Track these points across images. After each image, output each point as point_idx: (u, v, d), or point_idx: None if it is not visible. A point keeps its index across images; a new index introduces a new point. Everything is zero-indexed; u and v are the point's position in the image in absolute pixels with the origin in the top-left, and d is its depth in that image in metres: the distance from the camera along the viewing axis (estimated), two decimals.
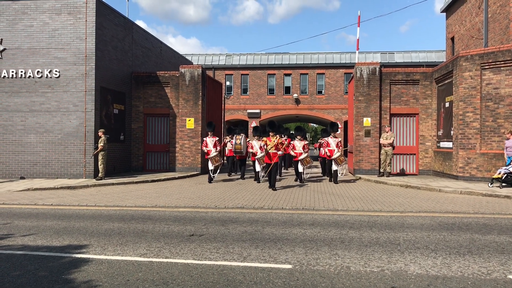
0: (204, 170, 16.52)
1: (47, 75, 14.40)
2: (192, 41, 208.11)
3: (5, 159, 14.45)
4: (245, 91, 32.71)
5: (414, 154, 16.23)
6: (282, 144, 12.52)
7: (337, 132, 14.41)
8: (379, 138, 15.59)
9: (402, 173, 16.16)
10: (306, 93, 31.96)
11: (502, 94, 13.01)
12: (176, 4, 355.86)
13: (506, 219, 7.74)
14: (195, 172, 16.75)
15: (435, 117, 15.83)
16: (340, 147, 13.74)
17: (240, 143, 15.02)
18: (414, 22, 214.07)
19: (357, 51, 25.12)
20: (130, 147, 17.39)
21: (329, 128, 14.16)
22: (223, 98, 25.06)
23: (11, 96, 14.51)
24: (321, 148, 14.93)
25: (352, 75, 17.60)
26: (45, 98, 14.43)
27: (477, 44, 19.17)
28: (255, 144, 13.87)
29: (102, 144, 13.88)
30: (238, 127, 16.16)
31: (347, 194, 11.07)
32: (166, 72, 17.85)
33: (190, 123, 17.21)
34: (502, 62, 12.94)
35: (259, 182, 13.95)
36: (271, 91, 32.44)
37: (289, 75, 32.20)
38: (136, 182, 13.82)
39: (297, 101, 31.78)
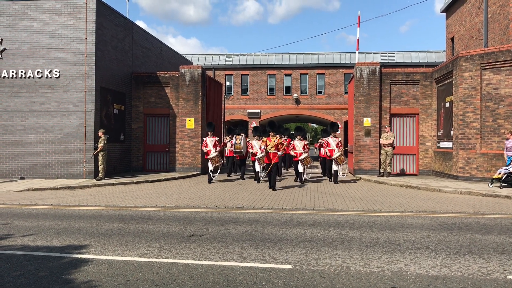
0: (204, 170, 16.52)
1: (47, 75, 14.40)
2: (192, 41, 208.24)
3: (5, 159, 14.45)
4: (245, 91, 32.72)
5: (414, 154, 16.23)
6: (282, 144, 12.51)
7: (337, 132, 14.41)
8: (379, 138, 15.59)
9: (402, 173, 16.16)
10: (306, 93, 31.96)
11: (502, 94, 13.01)
12: (176, 5, 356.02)
13: (506, 219, 7.73)
14: (195, 172, 16.75)
15: (435, 117, 15.83)
16: (340, 147, 13.73)
17: (240, 143, 15.02)
18: (414, 22, 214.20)
19: (357, 51, 25.14)
20: (130, 147, 17.39)
21: (329, 128, 14.15)
22: (223, 98, 25.06)
23: (11, 96, 14.51)
24: (321, 148, 14.92)
25: (352, 75, 17.61)
26: (45, 98, 14.44)
27: (477, 44, 19.17)
28: (255, 144, 13.86)
29: (102, 144, 13.89)
30: (238, 127, 16.15)
31: (347, 194, 11.07)
32: (166, 72, 17.85)
33: (190, 123, 17.22)
34: (502, 62, 12.94)
35: (259, 182, 13.95)
36: (271, 91, 32.45)
37: (289, 75, 32.21)
38: (136, 182, 13.82)
39: (297, 101, 31.78)
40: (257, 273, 4.57)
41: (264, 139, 12.63)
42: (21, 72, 14.45)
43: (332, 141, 13.84)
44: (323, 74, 31.81)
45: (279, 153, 12.06)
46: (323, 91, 31.84)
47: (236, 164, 16.73)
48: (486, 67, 13.25)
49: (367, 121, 15.93)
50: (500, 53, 12.95)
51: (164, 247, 5.65)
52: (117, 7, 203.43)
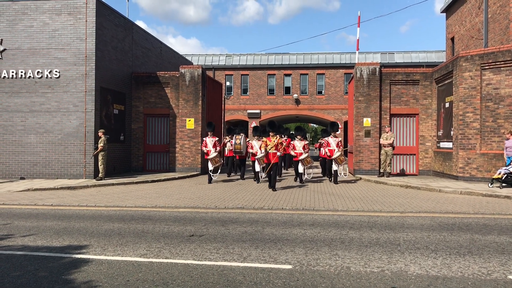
0: (204, 171, 16.52)
1: (47, 75, 14.40)
2: (192, 41, 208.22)
3: (5, 159, 14.45)
4: (245, 91, 32.72)
5: (414, 154, 16.23)
6: (281, 144, 12.50)
7: (337, 132, 14.40)
8: (379, 138, 15.59)
9: (402, 174, 16.16)
10: (306, 93, 31.97)
11: (502, 95, 13.01)
12: (176, 5, 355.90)
13: (506, 219, 7.73)
14: (195, 173, 16.75)
15: (435, 117, 15.83)
16: (340, 147, 13.72)
17: (240, 143, 15.01)
18: (414, 22, 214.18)
19: (357, 51, 25.14)
20: (130, 148, 17.39)
21: (329, 128, 14.14)
22: (223, 98, 25.07)
23: (11, 96, 14.51)
24: (321, 148, 14.91)
25: (352, 75, 17.61)
26: (45, 98, 14.44)
27: (477, 44, 19.17)
28: (255, 144, 13.86)
29: (102, 145, 13.89)
30: (238, 127, 16.14)
31: (347, 195, 11.07)
32: (166, 72, 17.85)
33: (190, 123, 17.22)
34: (502, 62, 12.94)
35: (259, 182, 13.94)
36: (271, 91, 32.45)
37: (289, 75, 32.21)
38: (136, 183, 13.82)
39: (297, 101, 31.78)
40: (257, 273, 4.57)
41: (264, 139, 12.63)
42: (21, 72, 14.45)
43: (332, 141, 13.83)
44: (323, 74, 31.81)
45: (278, 153, 12.04)
46: (323, 91, 31.84)
47: (236, 164, 16.74)
48: (486, 67, 13.25)
49: (367, 121, 15.93)
50: (500, 53, 12.95)
51: (164, 247, 5.65)
52: (117, 7, 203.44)
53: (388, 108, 16.09)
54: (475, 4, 19.50)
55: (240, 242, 5.91)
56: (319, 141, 17.15)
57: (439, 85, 15.56)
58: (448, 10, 23.37)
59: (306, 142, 14.09)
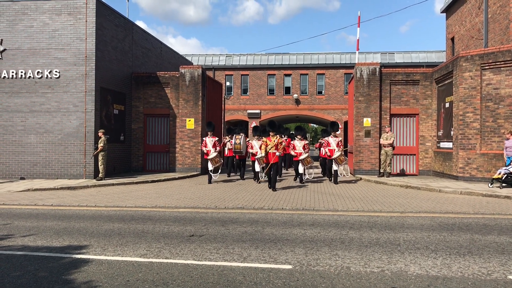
0: (204, 171, 16.52)
1: (47, 75, 14.41)
2: (192, 41, 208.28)
3: (5, 159, 14.45)
4: (245, 91, 32.73)
5: (414, 154, 16.23)
6: (281, 144, 12.48)
7: (338, 132, 14.40)
8: (379, 138, 15.59)
9: (402, 174, 16.16)
10: (306, 93, 31.97)
11: (502, 95, 13.01)
12: (176, 5, 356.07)
13: (506, 219, 7.73)
14: (195, 173, 16.75)
15: (435, 117, 15.83)
16: (341, 146, 13.72)
17: (240, 142, 15.00)
18: (414, 22, 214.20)
19: (357, 52, 25.12)
20: (130, 148, 17.40)
21: (330, 127, 14.14)
22: (223, 99, 25.07)
23: (11, 96, 14.52)
24: (322, 148, 14.91)
25: (352, 75, 17.61)
26: (45, 98, 14.44)
27: (477, 44, 19.17)
28: (255, 144, 13.85)
29: (102, 145, 13.89)
30: (238, 126, 16.14)
31: (347, 195, 11.07)
32: (166, 72, 17.85)
33: (190, 123, 17.22)
34: (502, 63, 12.94)
35: (259, 182, 13.94)
36: (271, 91, 32.46)
37: (289, 75, 32.22)
38: (136, 183, 13.82)
39: (297, 101, 31.78)
40: (257, 273, 4.57)
41: (264, 139, 12.63)
42: (21, 72, 14.45)
43: (332, 140, 13.83)
44: (323, 74, 31.81)
45: (277, 153, 12.01)
46: (323, 91, 31.84)
47: (236, 164, 16.74)
48: (486, 67, 13.25)
49: (367, 121, 15.94)
50: (500, 53, 12.95)
51: (164, 248, 5.65)
52: (117, 7, 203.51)
53: (388, 108, 16.09)
54: (475, 4, 19.50)
55: (240, 242, 5.91)
56: (319, 141, 17.15)
57: (439, 85, 15.56)
58: (448, 10, 23.37)
59: (306, 141, 14.08)
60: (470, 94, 13.41)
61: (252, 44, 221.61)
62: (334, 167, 13.69)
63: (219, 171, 14.50)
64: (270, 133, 12.31)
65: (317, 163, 19.14)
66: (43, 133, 14.42)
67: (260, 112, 32.10)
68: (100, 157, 13.93)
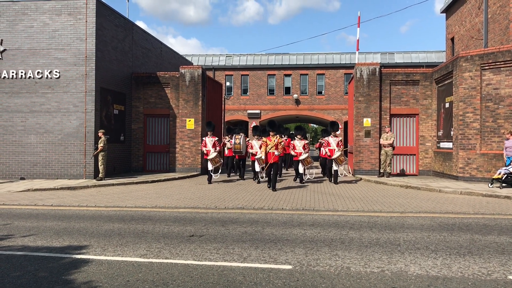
0: (204, 171, 16.51)
1: (47, 75, 14.41)
2: (192, 41, 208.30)
3: (5, 159, 14.45)
4: (245, 91, 32.73)
5: (414, 154, 16.23)
6: (280, 144, 12.46)
7: (338, 132, 14.40)
8: (379, 138, 15.59)
9: (402, 174, 16.16)
10: (306, 93, 31.98)
11: (502, 95, 13.01)
12: (176, 5, 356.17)
13: (506, 219, 7.73)
14: (195, 173, 16.76)
15: (435, 117, 15.83)
16: (341, 146, 13.71)
17: (240, 142, 14.99)
18: (414, 22, 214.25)
19: (357, 52, 25.09)
20: (130, 148, 17.40)
21: (330, 127, 14.13)
22: (223, 99, 25.07)
23: (11, 96, 14.52)
24: (322, 148, 14.91)
25: (352, 75, 17.61)
26: (45, 98, 14.44)
27: (477, 44, 19.18)
28: (255, 144, 13.85)
29: (102, 145, 13.89)
30: (238, 126, 16.14)
31: (347, 195, 11.07)
32: (166, 72, 17.86)
33: (190, 123, 17.22)
34: (502, 63, 12.94)
35: (259, 182, 13.94)
36: (271, 91, 32.46)
37: (289, 75, 32.22)
38: (136, 183, 13.82)
39: (297, 101, 31.79)
40: (257, 273, 4.57)
41: (264, 139, 12.63)
42: (21, 72, 14.45)
43: (332, 140, 13.82)
44: (323, 74, 31.82)
45: (276, 153, 11.99)
46: (323, 91, 31.84)
47: (235, 164, 16.74)
48: (486, 68, 13.25)
49: (367, 122, 15.94)
50: (500, 54, 12.96)
51: (164, 248, 5.65)
52: (117, 7, 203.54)
53: (388, 108, 16.10)
54: (475, 4, 19.50)
55: (240, 242, 5.91)
56: (319, 141, 17.15)
57: (439, 85, 15.56)
58: (448, 10, 23.38)
59: (306, 141, 14.07)
60: (470, 94, 13.41)
61: (252, 44, 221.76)
62: (334, 167, 13.69)
63: (219, 171, 14.50)
64: (270, 133, 12.31)
65: (317, 163, 19.13)
66: (43, 133, 14.42)
67: (260, 112, 32.10)
68: (100, 157, 13.93)
